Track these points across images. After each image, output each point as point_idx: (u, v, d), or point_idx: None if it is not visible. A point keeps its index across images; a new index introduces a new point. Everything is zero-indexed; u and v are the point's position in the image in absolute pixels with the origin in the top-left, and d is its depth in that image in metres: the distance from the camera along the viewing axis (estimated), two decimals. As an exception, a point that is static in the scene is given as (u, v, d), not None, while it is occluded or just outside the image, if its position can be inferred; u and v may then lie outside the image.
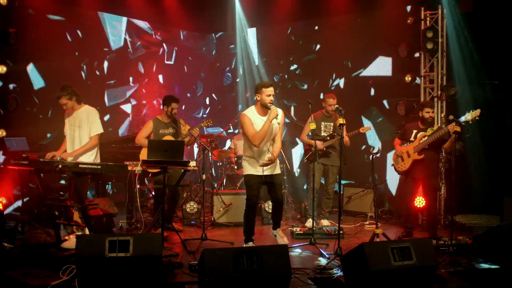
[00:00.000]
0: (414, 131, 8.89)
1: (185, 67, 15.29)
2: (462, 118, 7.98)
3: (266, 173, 7.92)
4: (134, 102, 13.90)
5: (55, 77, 11.41)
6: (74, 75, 12.36)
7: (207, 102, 15.71)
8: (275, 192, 8.09)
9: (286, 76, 14.38)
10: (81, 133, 8.43)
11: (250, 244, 7.98)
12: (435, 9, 10.66)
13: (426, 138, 8.63)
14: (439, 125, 9.27)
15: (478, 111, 7.95)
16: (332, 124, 9.83)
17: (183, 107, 14.81)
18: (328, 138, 9.73)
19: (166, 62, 14.77)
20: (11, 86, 10.90)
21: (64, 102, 8.31)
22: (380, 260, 5.89)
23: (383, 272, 5.86)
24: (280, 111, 7.95)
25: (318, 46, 13.78)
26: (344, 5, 12.81)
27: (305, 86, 13.86)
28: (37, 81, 11.64)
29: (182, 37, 15.28)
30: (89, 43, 12.72)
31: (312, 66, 13.76)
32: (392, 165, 9.35)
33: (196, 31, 15.45)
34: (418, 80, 11.03)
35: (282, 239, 8.25)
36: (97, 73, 13.04)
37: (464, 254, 7.62)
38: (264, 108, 7.86)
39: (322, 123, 9.84)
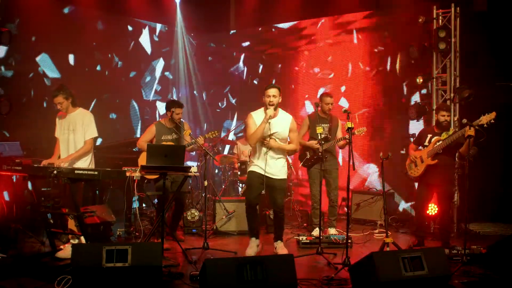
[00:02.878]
0: (429, 136, 8.88)
1: (199, 65, 15.58)
2: (476, 122, 7.97)
3: (267, 174, 8.15)
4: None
5: (69, 68, 12.14)
6: (90, 67, 12.82)
7: (225, 98, 15.91)
8: (274, 196, 8.33)
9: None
10: (76, 137, 8.45)
11: (253, 239, 8.42)
12: (448, 7, 10.65)
13: (440, 142, 8.62)
14: (454, 129, 9.25)
15: (493, 114, 7.92)
16: (328, 126, 9.81)
17: (204, 95, 15.55)
18: (323, 142, 9.65)
19: (174, 60, 15.13)
20: (31, 74, 11.50)
21: (60, 100, 8.33)
22: (390, 270, 5.88)
23: (393, 283, 5.86)
24: (289, 118, 8.31)
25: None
26: (351, 3, 12.85)
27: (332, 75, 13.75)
28: (52, 73, 11.97)
29: (192, 36, 15.60)
30: (108, 37, 13.13)
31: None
32: (405, 172, 9.33)
33: (205, 30, 15.68)
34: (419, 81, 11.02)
35: (281, 252, 8.34)
36: (118, 65, 13.53)
37: (478, 264, 7.60)
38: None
39: (320, 125, 9.80)
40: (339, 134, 9.86)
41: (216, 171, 13.76)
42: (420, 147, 9.03)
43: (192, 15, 14.43)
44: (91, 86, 12.40)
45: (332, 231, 9.87)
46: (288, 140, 8.31)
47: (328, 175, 9.91)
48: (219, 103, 15.73)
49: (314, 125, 9.63)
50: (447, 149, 8.60)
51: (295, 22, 14.24)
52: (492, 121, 7.91)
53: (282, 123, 8.19)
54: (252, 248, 8.39)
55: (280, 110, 8.26)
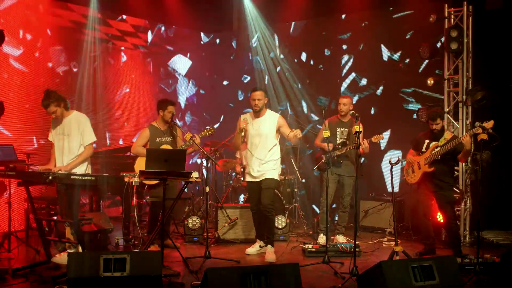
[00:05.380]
0: (426, 141, 8.95)
1: (207, 65, 15.97)
2: (472, 130, 8.02)
3: (256, 179, 8.87)
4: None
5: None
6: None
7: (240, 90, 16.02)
8: (261, 196, 8.82)
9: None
10: (71, 142, 8.45)
11: (258, 241, 9.14)
12: (460, 6, 10.64)
13: (438, 148, 8.66)
14: (464, 132, 9.24)
15: (490, 123, 7.94)
16: (347, 130, 9.83)
17: (224, 83, 15.77)
18: (340, 146, 9.71)
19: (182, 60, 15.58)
20: (50, 64, 11.85)
21: (53, 110, 8.31)
22: (400, 280, 5.89)
23: (403, 293, 5.86)
24: (276, 116, 8.86)
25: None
26: (358, 2, 12.86)
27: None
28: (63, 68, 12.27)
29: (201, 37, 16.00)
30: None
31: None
32: (404, 178, 9.38)
33: (205, 30, 15.92)
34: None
35: (269, 256, 8.53)
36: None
37: (492, 273, 7.59)
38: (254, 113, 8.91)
39: (338, 129, 9.84)
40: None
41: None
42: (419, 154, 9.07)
43: (195, 14, 14.53)
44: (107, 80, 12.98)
45: (340, 238, 9.88)
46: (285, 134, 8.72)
47: (343, 180, 9.96)
48: (237, 97, 15.82)
49: (334, 129, 9.73)
50: (444, 156, 8.65)
51: (303, 21, 14.35)
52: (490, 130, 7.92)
53: (268, 123, 8.83)
54: (254, 247, 9.01)
55: (267, 111, 8.93)
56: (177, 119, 9.43)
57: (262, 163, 8.78)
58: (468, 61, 10.65)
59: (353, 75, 13.35)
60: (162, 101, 9.34)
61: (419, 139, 9.21)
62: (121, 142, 13.39)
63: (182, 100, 15.35)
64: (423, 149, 8.95)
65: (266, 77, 14.51)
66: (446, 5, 10.73)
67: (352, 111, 8.37)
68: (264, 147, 8.80)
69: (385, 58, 12.81)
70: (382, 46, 12.78)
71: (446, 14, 10.72)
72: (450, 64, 10.82)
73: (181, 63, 15.35)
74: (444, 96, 10.88)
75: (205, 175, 9.08)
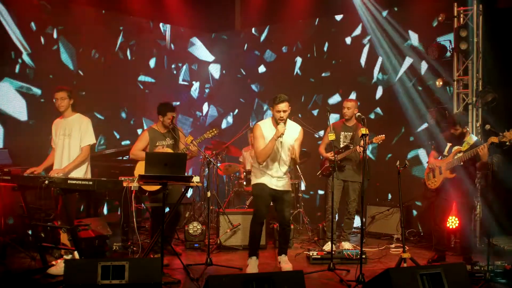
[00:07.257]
0: (449, 145, 8.85)
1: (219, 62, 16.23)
2: (499, 138, 7.93)
3: (277, 187, 8.25)
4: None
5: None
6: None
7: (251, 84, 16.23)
8: (283, 209, 8.33)
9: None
10: (71, 143, 8.48)
11: (254, 258, 8.31)
12: (470, 4, 10.62)
13: (461, 154, 8.58)
14: (476, 136, 9.20)
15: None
16: (351, 134, 9.82)
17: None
18: (342, 150, 9.72)
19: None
20: (62, 57, 12.11)
21: (62, 96, 8.48)
22: (408, 288, 5.88)
23: (411, 302, 5.85)
24: (298, 128, 8.31)
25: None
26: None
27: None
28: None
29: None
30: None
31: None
32: (423, 182, 9.32)
33: (214, 27, 16.09)
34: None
35: (286, 266, 8.34)
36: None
37: (502, 281, 7.58)
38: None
39: (342, 133, 9.86)
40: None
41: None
42: (440, 157, 9.01)
43: (197, 14, 14.63)
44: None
45: (346, 245, 9.86)
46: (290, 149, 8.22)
47: (349, 186, 9.97)
48: (251, 89, 15.98)
49: (339, 134, 9.75)
50: (467, 162, 8.57)
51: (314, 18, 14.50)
52: None
53: (290, 136, 8.21)
54: (254, 268, 8.30)
55: (288, 121, 8.26)
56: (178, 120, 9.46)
57: (283, 175, 8.36)
58: (478, 61, 10.64)
59: (379, 64, 13.36)
60: (162, 106, 9.33)
61: (441, 140, 9.14)
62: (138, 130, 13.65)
63: (194, 94, 15.67)
64: (445, 153, 8.88)
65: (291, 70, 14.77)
66: (456, 4, 10.71)
67: (358, 114, 8.35)
68: (286, 160, 8.32)
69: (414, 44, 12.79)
70: (410, 32, 12.69)
71: (455, 13, 10.71)
72: (460, 64, 10.80)
73: (193, 58, 15.63)
74: (454, 97, 10.86)
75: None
